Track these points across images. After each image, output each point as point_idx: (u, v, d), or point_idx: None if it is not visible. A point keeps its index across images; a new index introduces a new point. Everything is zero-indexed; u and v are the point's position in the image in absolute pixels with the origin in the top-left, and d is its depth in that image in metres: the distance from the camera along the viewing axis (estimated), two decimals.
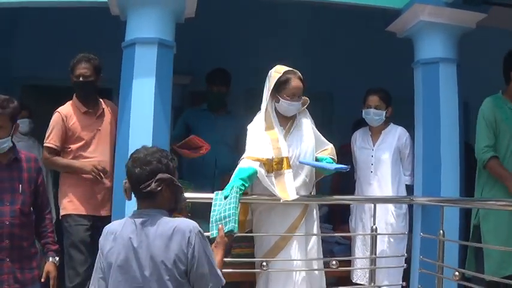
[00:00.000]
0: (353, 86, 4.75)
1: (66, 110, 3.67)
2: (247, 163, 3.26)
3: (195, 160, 4.25)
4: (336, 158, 3.50)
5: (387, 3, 3.75)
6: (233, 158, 3.82)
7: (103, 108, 3.73)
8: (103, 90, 3.88)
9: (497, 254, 3.39)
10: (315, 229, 3.49)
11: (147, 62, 3.40)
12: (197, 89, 5.11)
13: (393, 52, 4.50)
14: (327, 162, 3.40)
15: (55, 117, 3.64)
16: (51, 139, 3.60)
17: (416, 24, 3.70)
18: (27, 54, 5.24)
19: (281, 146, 3.39)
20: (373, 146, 3.99)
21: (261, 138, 3.39)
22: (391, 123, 4.01)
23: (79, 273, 3.42)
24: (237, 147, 4.24)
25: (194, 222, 2.30)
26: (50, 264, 3.05)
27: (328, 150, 3.50)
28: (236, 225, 2.88)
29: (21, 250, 2.92)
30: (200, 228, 2.29)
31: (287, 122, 3.49)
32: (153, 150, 2.38)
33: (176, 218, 2.34)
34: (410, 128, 3.97)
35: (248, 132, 3.44)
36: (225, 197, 3.04)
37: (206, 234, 2.47)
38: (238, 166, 3.28)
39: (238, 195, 3.04)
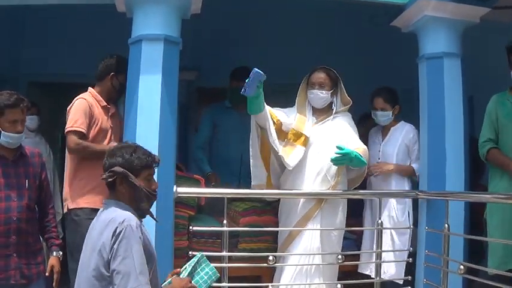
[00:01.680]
0: (359, 80, 4.78)
1: (90, 98, 3.61)
2: None
3: (220, 157, 4.39)
4: (367, 158, 3.61)
5: None
6: None
7: (115, 108, 3.76)
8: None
9: (500, 248, 3.41)
10: (338, 223, 3.58)
11: (153, 58, 3.41)
12: (203, 84, 5.14)
13: (398, 47, 4.52)
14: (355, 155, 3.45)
15: (81, 103, 3.52)
16: (80, 123, 3.44)
17: (420, 19, 3.71)
18: (34, 51, 5.27)
19: (306, 125, 3.58)
20: (382, 141, 4.04)
21: (288, 110, 3.63)
22: (402, 121, 4.05)
23: None
24: None
25: (133, 217, 2.30)
26: (54, 258, 3.07)
27: (360, 149, 3.55)
28: None
29: (27, 245, 2.95)
30: (137, 225, 2.26)
31: (322, 115, 3.67)
32: (125, 145, 2.47)
33: (125, 212, 2.31)
34: (413, 121, 4.01)
35: None
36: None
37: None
38: None
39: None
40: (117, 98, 3.78)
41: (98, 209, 3.45)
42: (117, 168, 2.35)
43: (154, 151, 3.23)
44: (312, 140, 3.55)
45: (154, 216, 2.59)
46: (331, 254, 3.51)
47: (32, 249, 2.99)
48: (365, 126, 4.39)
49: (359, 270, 3.87)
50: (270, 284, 3.39)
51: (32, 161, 3.08)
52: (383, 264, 3.72)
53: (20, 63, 5.34)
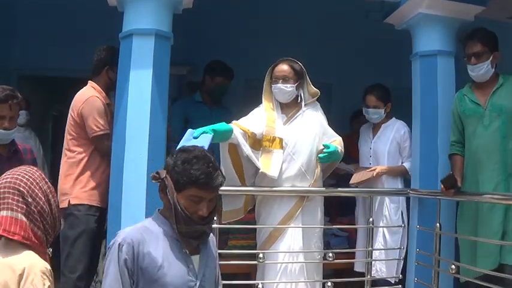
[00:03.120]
0: (352, 77, 4.76)
1: (100, 96, 3.62)
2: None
3: None
4: (343, 149, 3.51)
5: None
6: None
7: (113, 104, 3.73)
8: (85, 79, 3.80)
9: (467, 254, 3.40)
10: (318, 220, 3.49)
11: (144, 53, 3.35)
12: (194, 79, 5.10)
13: (392, 43, 4.50)
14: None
15: (97, 103, 3.55)
16: (104, 125, 3.53)
17: (414, 17, 3.67)
18: (25, 44, 5.22)
19: (276, 126, 3.45)
20: (373, 139, 4.01)
21: (256, 115, 3.48)
22: (393, 118, 4.03)
23: (82, 263, 3.42)
24: None
25: (133, 233, 2.01)
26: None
27: (337, 141, 3.51)
28: None
29: None
30: (129, 244, 1.97)
31: (290, 110, 3.53)
32: (191, 149, 2.07)
33: (138, 225, 2.09)
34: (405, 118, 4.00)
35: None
36: (194, 138, 3.03)
37: None
38: None
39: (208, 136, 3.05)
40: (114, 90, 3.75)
41: (96, 206, 3.50)
42: (161, 172, 2.03)
43: (144, 146, 3.31)
44: (285, 140, 3.42)
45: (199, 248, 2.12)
46: (319, 252, 3.48)
47: None
48: (358, 122, 4.37)
49: (355, 269, 3.87)
50: (260, 282, 3.35)
51: (25, 158, 3.04)
52: (376, 263, 3.72)
53: (10, 57, 5.27)
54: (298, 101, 3.52)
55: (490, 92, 3.36)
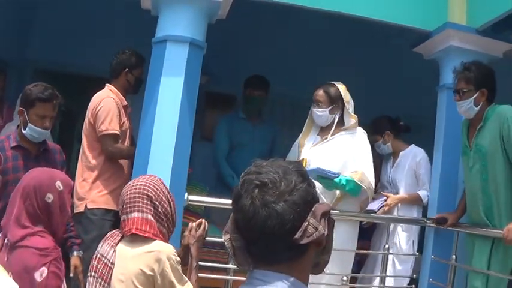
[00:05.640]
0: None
1: (115, 98, 3.55)
2: None
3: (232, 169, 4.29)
4: (368, 182, 3.44)
5: (418, 24, 3.73)
6: None
7: (131, 108, 3.70)
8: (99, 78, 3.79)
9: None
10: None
11: (177, 60, 3.33)
12: (212, 89, 5.08)
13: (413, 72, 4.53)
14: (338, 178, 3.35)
15: (111, 103, 3.48)
16: (114, 125, 3.44)
17: (445, 49, 3.71)
18: (43, 38, 5.14)
19: (305, 147, 3.54)
20: (392, 166, 4.04)
21: (293, 149, 3.60)
22: (413, 145, 4.08)
23: None
24: (270, 157, 4.29)
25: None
26: (76, 258, 3.02)
27: (357, 173, 3.40)
28: None
29: None
30: None
31: (325, 133, 3.57)
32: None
33: None
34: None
35: None
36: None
37: None
38: None
39: None
40: (135, 93, 3.73)
41: (113, 210, 3.44)
42: (325, 207, 1.25)
43: (170, 156, 3.27)
44: (309, 161, 3.45)
45: None
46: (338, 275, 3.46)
47: None
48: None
49: None
50: None
51: (54, 158, 2.99)
52: None
53: (27, 50, 5.19)
54: (333, 125, 3.52)
55: (475, 130, 3.30)
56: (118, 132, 3.44)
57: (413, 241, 3.90)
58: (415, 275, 3.78)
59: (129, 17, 4.17)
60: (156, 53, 3.42)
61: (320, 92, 3.52)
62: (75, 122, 5.22)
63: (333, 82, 3.56)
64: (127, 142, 3.59)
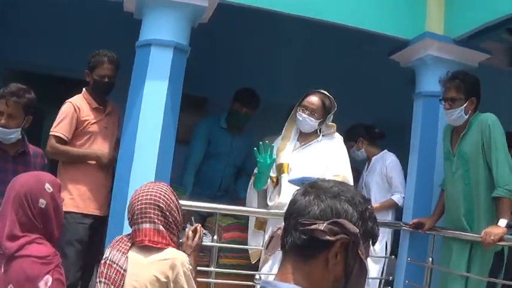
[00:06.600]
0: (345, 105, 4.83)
1: (78, 101, 3.54)
2: None
3: (203, 175, 4.30)
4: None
5: (397, 32, 3.81)
6: (235, 180, 4.34)
7: (111, 107, 3.66)
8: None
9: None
10: None
11: (161, 64, 3.34)
12: (191, 93, 5.05)
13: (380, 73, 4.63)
14: None
15: (67, 107, 3.48)
16: (62, 128, 3.44)
17: (423, 57, 3.79)
18: (17, 37, 5.02)
19: (285, 152, 3.52)
20: (366, 172, 4.14)
21: (275, 143, 3.57)
22: (385, 150, 4.18)
23: (71, 272, 3.32)
24: (243, 167, 4.41)
25: None
26: None
27: (339, 177, 3.32)
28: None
29: None
30: None
31: (305, 139, 3.56)
32: (351, 189, 1.33)
33: None
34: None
35: None
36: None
37: None
38: None
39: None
40: (106, 95, 3.68)
41: (87, 214, 3.41)
42: (352, 228, 1.22)
43: (153, 160, 3.27)
44: (291, 165, 3.47)
45: None
46: None
47: None
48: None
49: None
50: None
51: (34, 161, 2.95)
52: None
53: (1, 48, 5.07)
54: (318, 133, 3.53)
55: (459, 137, 3.38)
56: (60, 135, 3.43)
57: (386, 242, 3.99)
58: (391, 277, 3.87)
59: (110, 19, 4.14)
60: (139, 57, 3.42)
61: (316, 102, 3.45)
62: (42, 123, 5.13)
63: (323, 92, 3.51)
64: (103, 145, 3.56)
